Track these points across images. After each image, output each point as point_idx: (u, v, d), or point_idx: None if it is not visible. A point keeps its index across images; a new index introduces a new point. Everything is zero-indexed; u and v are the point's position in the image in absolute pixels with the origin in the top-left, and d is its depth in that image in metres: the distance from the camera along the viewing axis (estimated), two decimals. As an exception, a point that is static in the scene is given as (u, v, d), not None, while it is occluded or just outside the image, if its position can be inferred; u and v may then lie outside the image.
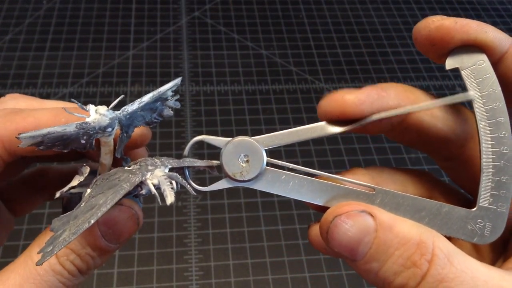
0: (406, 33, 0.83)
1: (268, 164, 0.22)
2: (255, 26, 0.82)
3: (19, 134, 0.19)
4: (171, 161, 0.23)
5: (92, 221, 0.19)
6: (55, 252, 0.19)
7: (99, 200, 0.20)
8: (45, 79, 0.70)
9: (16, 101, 0.25)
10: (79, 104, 0.20)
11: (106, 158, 0.23)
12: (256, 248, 0.55)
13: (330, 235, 0.20)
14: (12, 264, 0.22)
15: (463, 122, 0.22)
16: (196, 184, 0.23)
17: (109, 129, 0.21)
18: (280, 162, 0.22)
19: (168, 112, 0.23)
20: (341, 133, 0.22)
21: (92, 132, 0.20)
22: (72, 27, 0.78)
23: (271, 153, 0.22)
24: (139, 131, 0.24)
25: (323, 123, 0.22)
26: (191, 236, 0.55)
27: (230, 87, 0.71)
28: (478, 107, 0.21)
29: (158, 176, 0.22)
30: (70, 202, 0.25)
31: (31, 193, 0.29)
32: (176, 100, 0.23)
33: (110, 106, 0.21)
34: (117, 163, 0.24)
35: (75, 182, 0.23)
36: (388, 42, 0.81)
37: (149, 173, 0.22)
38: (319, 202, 0.22)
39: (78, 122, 0.20)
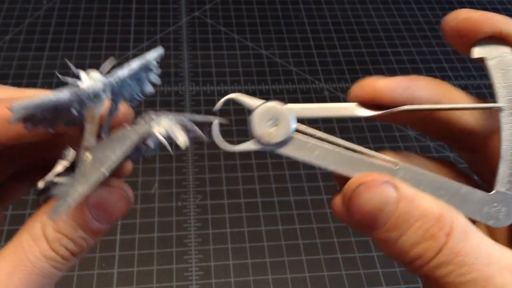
0: (406, 33, 0.83)
1: (296, 131, 0.22)
2: (255, 26, 0.82)
3: (11, 105, 0.18)
4: (170, 115, 0.22)
5: (105, 171, 0.19)
6: (73, 204, 0.18)
7: (107, 153, 0.20)
8: (45, 79, 0.70)
9: None
10: (72, 65, 0.20)
11: (90, 140, 0.22)
12: (256, 248, 0.55)
13: (352, 203, 0.20)
14: (2, 251, 0.21)
15: (488, 115, 0.23)
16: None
17: (103, 95, 0.20)
18: (309, 129, 0.22)
19: (149, 88, 0.23)
20: (369, 118, 0.23)
21: (86, 99, 0.19)
22: (72, 27, 0.78)
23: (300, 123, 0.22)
24: (122, 109, 0.23)
25: (353, 104, 0.23)
26: (191, 236, 0.55)
27: (230, 87, 0.71)
28: (501, 95, 0.21)
29: (165, 124, 0.21)
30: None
31: (9, 184, 0.28)
32: (157, 76, 0.23)
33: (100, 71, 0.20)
34: None
35: (59, 167, 0.23)
36: (388, 42, 0.81)
37: (154, 123, 0.21)
38: (343, 171, 0.22)
39: (71, 89, 0.19)
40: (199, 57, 0.76)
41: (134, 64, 0.21)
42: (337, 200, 0.23)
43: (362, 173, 0.22)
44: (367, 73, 0.76)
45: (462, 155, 0.25)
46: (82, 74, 0.19)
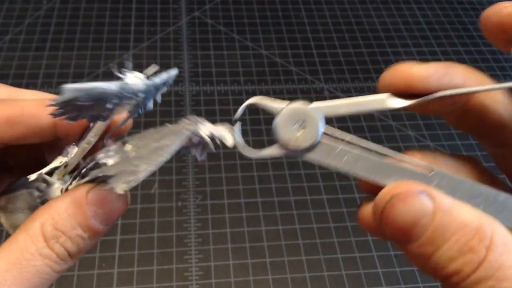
0: (406, 33, 0.83)
1: (324, 134, 0.21)
2: (255, 26, 0.82)
3: (64, 86, 0.19)
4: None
5: (167, 156, 0.20)
6: (141, 179, 0.19)
7: (163, 142, 0.20)
8: (45, 79, 0.70)
9: None
10: (130, 63, 0.20)
11: (90, 141, 0.23)
12: (256, 248, 0.55)
13: (385, 215, 0.19)
14: None
15: None
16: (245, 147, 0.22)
17: (142, 95, 0.20)
18: (338, 132, 0.21)
19: (151, 105, 0.23)
20: (402, 109, 0.21)
21: (127, 95, 0.20)
22: (72, 27, 0.78)
23: (328, 123, 0.21)
24: (128, 120, 0.24)
25: (384, 95, 0.21)
26: (191, 236, 0.55)
27: (230, 87, 0.71)
28: None
29: (209, 127, 0.21)
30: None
31: None
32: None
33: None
34: (90, 153, 0.24)
35: (56, 163, 0.23)
36: (388, 42, 0.81)
37: (200, 124, 0.21)
38: (374, 178, 0.21)
39: (120, 82, 0.20)
40: (199, 57, 0.76)
41: (164, 76, 0.21)
42: (365, 211, 0.21)
43: (395, 181, 0.20)
44: (367, 73, 0.76)
45: (491, 150, 0.24)
46: (128, 72, 0.20)
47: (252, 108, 0.22)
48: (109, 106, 0.20)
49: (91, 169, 0.22)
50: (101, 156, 0.22)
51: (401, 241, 0.19)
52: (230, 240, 0.55)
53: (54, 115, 0.20)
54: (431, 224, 0.18)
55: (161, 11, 0.83)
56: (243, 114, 0.21)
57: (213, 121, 0.22)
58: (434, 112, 0.23)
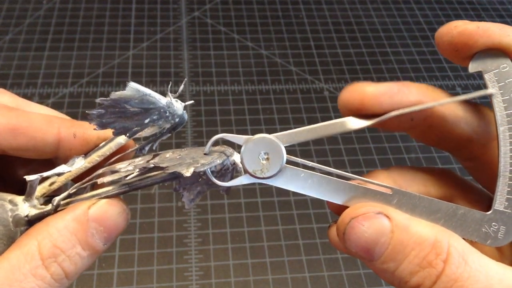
0: (406, 33, 0.83)
1: (287, 162, 0.22)
2: (255, 26, 0.82)
3: (129, 82, 0.20)
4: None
5: (219, 161, 0.21)
6: (206, 167, 0.20)
7: (201, 160, 0.22)
8: (45, 79, 0.70)
9: (1, 96, 0.25)
10: (182, 87, 0.22)
11: (95, 160, 0.23)
12: (256, 248, 0.55)
13: (347, 236, 0.20)
14: None
15: (486, 123, 0.22)
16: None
17: (177, 120, 0.22)
18: (299, 160, 0.22)
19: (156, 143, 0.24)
20: (360, 129, 0.22)
21: (167, 115, 0.21)
22: (72, 27, 0.78)
23: (289, 152, 0.22)
24: (131, 143, 0.24)
25: (342, 119, 0.23)
26: (191, 236, 0.55)
27: (230, 87, 0.71)
28: (498, 109, 0.21)
29: (236, 156, 0.23)
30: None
31: None
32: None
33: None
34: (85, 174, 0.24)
35: (59, 170, 0.23)
36: (388, 42, 0.81)
37: (232, 152, 0.23)
38: (336, 200, 0.22)
39: (168, 100, 0.21)
40: (199, 57, 0.76)
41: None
42: (333, 231, 0.22)
43: (357, 202, 0.21)
44: (367, 73, 0.76)
45: (463, 163, 0.25)
46: (172, 97, 0.22)
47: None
48: (146, 120, 0.21)
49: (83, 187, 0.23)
50: (122, 166, 0.22)
51: (365, 259, 0.20)
52: (230, 240, 0.55)
53: (92, 114, 0.21)
54: (390, 242, 0.19)
55: (161, 11, 0.83)
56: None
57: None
58: (395, 129, 0.24)
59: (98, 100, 0.20)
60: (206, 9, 0.84)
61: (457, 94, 0.21)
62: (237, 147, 0.23)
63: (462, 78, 0.76)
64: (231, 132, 0.63)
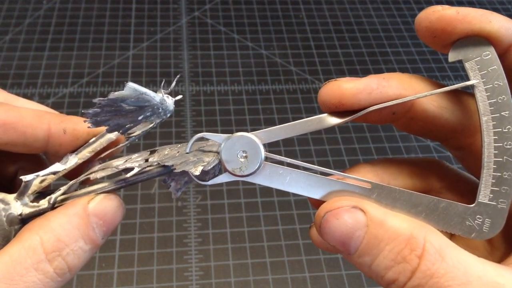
0: (406, 33, 0.83)
1: (267, 159, 0.22)
2: (255, 26, 0.82)
3: (127, 82, 0.20)
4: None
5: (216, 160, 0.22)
6: (212, 165, 0.21)
7: (211, 148, 0.22)
8: (45, 79, 0.70)
9: None
10: (174, 83, 0.23)
11: (86, 156, 0.23)
12: (256, 248, 0.55)
13: (322, 230, 0.20)
14: None
15: (471, 113, 0.22)
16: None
17: (168, 115, 0.22)
18: (278, 157, 0.23)
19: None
20: (338, 125, 0.22)
21: (159, 111, 0.22)
22: (72, 27, 0.78)
23: (272, 151, 0.22)
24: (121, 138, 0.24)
25: (321, 116, 0.23)
26: (191, 236, 0.55)
27: (230, 87, 0.71)
28: (480, 99, 0.20)
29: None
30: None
31: None
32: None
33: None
34: (76, 170, 0.24)
35: (55, 168, 0.23)
36: (388, 42, 0.81)
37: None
38: (314, 196, 0.22)
39: (161, 96, 0.21)
40: (199, 57, 0.76)
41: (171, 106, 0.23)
42: (314, 231, 0.23)
43: (334, 197, 0.21)
44: (367, 73, 0.76)
45: (452, 152, 0.25)
46: (164, 93, 0.22)
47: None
48: (140, 117, 0.21)
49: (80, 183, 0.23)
50: (119, 163, 0.22)
51: (342, 252, 0.20)
52: (230, 240, 0.55)
53: (88, 113, 0.21)
54: (365, 236, 0.19)
55: (161, 11, 0.83)
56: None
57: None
58: (377, 122, 0.23)
59: (96, 100, 0.20)
60: (206, 9, 0.84)
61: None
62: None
63: (462, 78, 0.76)
64: (230, 132, 0.63)
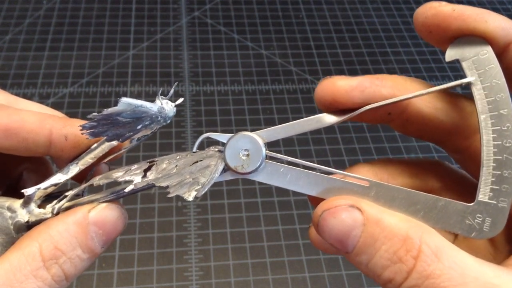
0: (406, 33, 0.83)
1: (268, 158, 0.23)
2: (255, 26, 0.82)
3: (121, 98, 0.20)
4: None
5: (218, 172, 0.22)
6: (207, 188, 0.21)
7: (206, 162, 0.23)
8: (45, 79, 0.70)
9: None
10: (172, 91, 0.23)
11: (88, 162, 0.23)
12: (256, 248, 0.55)
13: (320, 228, 0.20)
14: None
15: (467, 115, 0.22)
16: None
17: (168, 121, 0.22)
18: (279, 155, 0.23)
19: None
20: (335, 123, 0.23)
21: (158, 119, 0.22)
22: (72, 27, 0.78)
23: (273, 151, 0.22)
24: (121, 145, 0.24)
25: (319, 115, 0.23)
26: (191, 236, 0.55)
27: (230, 87, 0.71)
28: (478, 97, 0.20)
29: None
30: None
31: None
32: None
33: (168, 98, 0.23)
34: (80, 176, 0.24)
35: (55, 180, 0.23)
36: (388, 42, 0.81)
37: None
38: (314, 193, 0.22)
39: (159, 105, 0.22)
40: (199, 57, 0.76)
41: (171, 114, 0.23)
42: (313, 231, 0.23)
43: (333, 195, 0.22)
44: (367, 73, 0.76)
45: (451, 155, 0.25)
46: (163, 100, 0.22)
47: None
48: (139, 127, 0.22)
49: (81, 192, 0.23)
50: (119, 175, 0.23)
51: (340, 251, 0.20)
52: (230, 240, 0.55)
53: (84, 127, 0.21)
54: (361, 235, 0.19)
55: (161, 11, 0.83)
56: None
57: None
58: (373, 122, 0.24)
59: (90, 115, 0.20)
60: (206, 9, 0.84)
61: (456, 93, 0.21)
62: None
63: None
64: (230, 132, 0.63)
